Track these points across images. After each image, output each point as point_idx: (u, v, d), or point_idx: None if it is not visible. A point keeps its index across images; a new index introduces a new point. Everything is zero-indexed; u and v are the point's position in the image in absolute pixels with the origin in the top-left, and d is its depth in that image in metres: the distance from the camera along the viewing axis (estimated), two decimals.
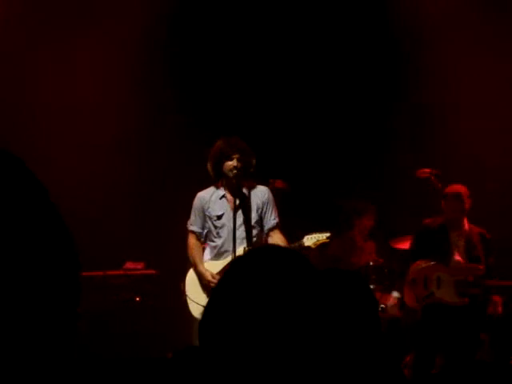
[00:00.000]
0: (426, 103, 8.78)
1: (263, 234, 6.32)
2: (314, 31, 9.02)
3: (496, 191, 8.22)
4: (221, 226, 6.28)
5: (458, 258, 7.00)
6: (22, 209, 0.96)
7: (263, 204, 6.29)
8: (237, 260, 1.74)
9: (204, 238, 6.39)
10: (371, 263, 7.56)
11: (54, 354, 0.96)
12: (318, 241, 6.21)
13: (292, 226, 6.58)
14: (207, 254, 6.37)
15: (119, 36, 8.66)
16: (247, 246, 6.05)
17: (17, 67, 8.40)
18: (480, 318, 6.87)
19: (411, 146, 8.61)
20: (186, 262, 6.43)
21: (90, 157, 8.52)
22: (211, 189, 6.35)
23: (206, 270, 6.22)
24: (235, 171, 6.10)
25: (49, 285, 0.95)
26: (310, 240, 6.20)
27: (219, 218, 6.29)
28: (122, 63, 8.74)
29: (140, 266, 7.99)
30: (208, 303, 1.69)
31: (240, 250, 6.01)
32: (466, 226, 7.03)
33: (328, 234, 6.24)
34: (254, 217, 6.24)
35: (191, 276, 6.32)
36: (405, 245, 7.47)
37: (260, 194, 6.30)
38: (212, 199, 6.32)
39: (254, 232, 6.21)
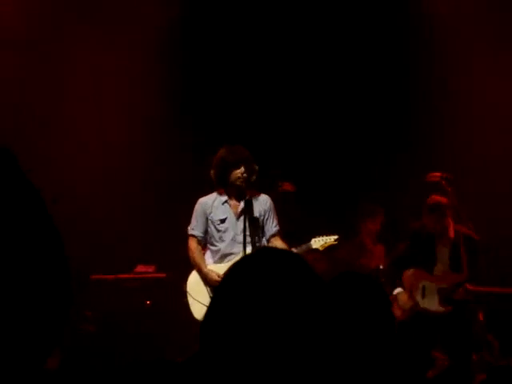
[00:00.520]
0: (437, 104, 8.76)
1: (264, 241, 6.39)
2: (324, 33, 9.01)
3: (507, 192, 8.20)
4: (224, 230, 6.36)
5: (441, 266, 7.03)
6: (12, 209, 0.97)
7: (265, 212, 6.39)
8: (237, 263, 1.74)
9: (204, 243, 6.44)
10: (381, 267, 7.55)
11: (41, 355, 0.97)
12: (325, 243, 6.24)
13: (301, 228, 6.59)
14: (209, 257, 6.43)
15: (129, 38, 8.68)
16: (249, 250, 6.10)
17: (17, 67, 8.43)
18: (464, 324, 6.87)
19: (422, 148, 8.58)
20: (193, 266, 6.47)
21: (101, 160, 8.55)
22: (213, 195, 6.45)
23: (211, 271, 6.28)
24: (242, 179, 6.21)
25: (36, 287, 0.96)
26: (317, 242, 6.24)
27: (222, 221, 6.37)
28: (132, 65, 8.76)
29: (151, 269, 8.01)
30: (209, 305, 1.70)
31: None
32: (452, 233, 7.03)
33: (336, 237, 6.26)
34: None
35: (194, 277, 6.37)
36: None
37: (262, 202, 6.40)
38: (215, 204, 6.41)
39: (257, 238, 6.28)
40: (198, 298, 6.20)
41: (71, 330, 7.03)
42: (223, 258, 6.34)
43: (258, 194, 6.43)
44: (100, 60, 8.63)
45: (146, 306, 7.75)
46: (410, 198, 8.20)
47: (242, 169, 6.21)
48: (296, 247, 6.24)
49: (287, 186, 7.31)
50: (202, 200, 6.47)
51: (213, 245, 6.41)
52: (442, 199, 6.99)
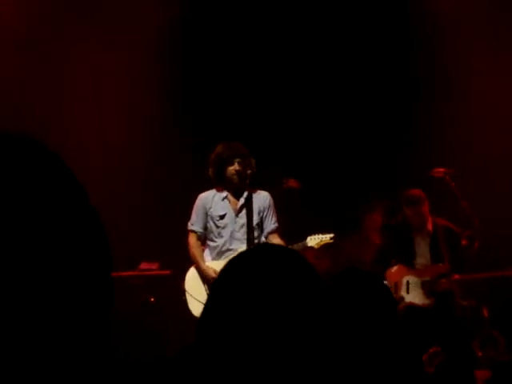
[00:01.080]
0: (437, 104, 8.77)
1: (262, 237, 6.41)
2: (324, 32, 9.02)
3: (507, 192, 8.20)
4: (223, 226, 6.37)
5: (422, 259, 7.05)
6: (59, 208, 0.96)
7: (264, 208, 6.41)
8: (233, 258, 1.73)
9: (204, 239, 6.44)
10: None
11: (87, 355, 0.97)
12: (321, 241, 6.27)
13: (305, 226, 6.60)
14: (207, 254, 6.45)
15: (129, 38, 8.68)
16: (248, 247, 6.10)
17: (17, 67, 8.42)
18: (451, 315, 6.90)
19: (425, 144, 8.58)
20: (192, 262, 6.47)
21: (101, 160, 8.54)
22: (213, 191, 6.46)
23: (209, 267, 6.28)
24: (237, 175, 6.24)
25: (83, 288, 0.95)
26: (312, 240, 6.26)
27: (221, 217, 6.38)
28: (132, 65, 8.76)
29: (155, 266, 8.00)
30: (206, 302, 1.69)
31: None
32: (430, 225, 7.06)
33: (331, 235, 6.29)
34: (255, 219, 6.34)
35: (192, 273, 6.38)
36: None
37: (262, 199, 6.42)
38: (215, 200, 6.43)
39: (256, 234, 6.31)
40: (196, 296, 6.20)
41: None
42: (221, 254, 6.35)
43: (259, 190, 6.44)
44: (100, 60, 8.62)
45: (150, 303, 7.75)
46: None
47: (236, 165, 6.23)
48: (292, 245, 6.25)
49: (292, 183, 7.30)
50: (202, 195, 6.48)
51: (212, 240, 6.42)
52: (418, 191, 7.05)
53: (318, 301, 1.64)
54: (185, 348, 1.77)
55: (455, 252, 7.01)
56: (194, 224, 6.46)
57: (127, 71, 8.75)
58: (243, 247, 6.10)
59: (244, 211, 6.31)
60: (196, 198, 6.54)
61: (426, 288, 6.94)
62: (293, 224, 6.79)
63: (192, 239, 6.46)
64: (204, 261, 6.39)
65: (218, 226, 6.39)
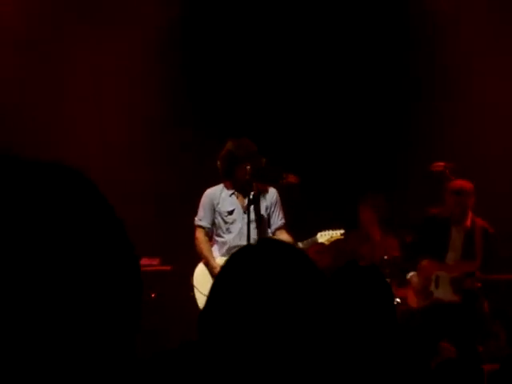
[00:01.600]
0: (437, 104, 8.78)
1: (270, 233, 6.40)
2: (325, 31, 9.03)
3: (507, 192, 8.20)
4: (231, 221, 6.36)
5: (453, 253, 7.01)
6: (89, 224, 0.96)
7: (271, 204, 6.41)
8: (235, 253, 1.73)
9: (211, 235, 6.42)
10: (386, 257, 7.53)
11: (116, 354, 0.97)
12: (331, 237, 6.26)
13: (306, 221, 6.61)
14: (216, 250, 6.43)
15: (129, 38, 8.68)
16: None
17: (17, 67, 8.42)
18: (473, 314, 6.88)
19: (425, 144, 8.58)
20: (200, 258, 6.46)
21: (101, 160, 8.53)
22: (220, 186, 6.43)
23: (218, 265, 6.27)
24: (249, 175, 6.20)
25: (111, 303, 0.96)
26: (323, 237, 6.25)
27: (230, 213, 6.37)
28: (132, 65, 8.77)
29: (155, 261, 7.99)
30: (208, 296, 1.69)
31: None
32: (469, 221, 7.01)
33: (342, 231, 6.28)
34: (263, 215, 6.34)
35: (201, 269, 6.36)
36: None
37: (269, 195, 6.41)
38: (222, 195, 6.42)
39: (263, 231, 6.30)
40: (204, 291, 6.19)
41: None
42: (230, 250, 6.28)
43: (266, 186, 6.42)
44: (100, 60, 8.62)
45: (151, 298, 7.74)
46: (411, 194, 8.21)
47: (248, 166, 6.19)
48: (302, 241, 6.26)
49: (291, 178, 7.30)
50: (209, 191, 6.46)
51: (220, 236, 6.40)
52: (466, 183, 6.97)
53: (319, 296, 1.64)
54: (186, 342, 1.77)
55: (489, 253, 6.95)
56: (202, 219, 6.43)
57: (127, 71, 8.75)
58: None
59: (252, 208, 6.28)
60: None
61: (455, 285, 6.89)
62: (292, 220, 6.78)
63: (200, 234, 6.43)
64: (213, 256, 6.37)
65: (226, 222, 6.38)
